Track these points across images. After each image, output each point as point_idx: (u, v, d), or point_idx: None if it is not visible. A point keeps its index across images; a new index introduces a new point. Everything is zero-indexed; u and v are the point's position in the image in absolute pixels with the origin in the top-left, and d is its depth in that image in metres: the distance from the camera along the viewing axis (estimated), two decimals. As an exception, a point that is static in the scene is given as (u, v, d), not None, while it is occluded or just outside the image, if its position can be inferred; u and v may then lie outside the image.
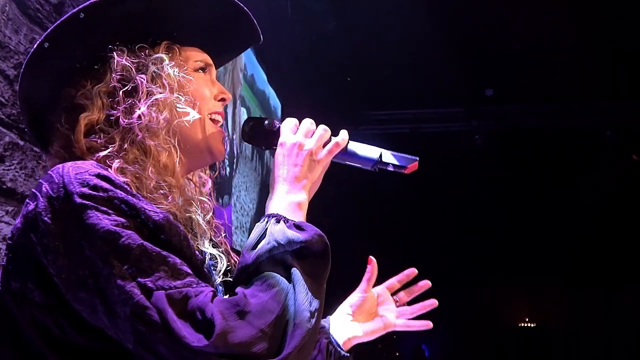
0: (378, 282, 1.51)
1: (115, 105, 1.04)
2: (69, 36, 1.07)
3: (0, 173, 1.81)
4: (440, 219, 7.97)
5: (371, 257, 1.45)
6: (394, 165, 1.10)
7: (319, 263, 0.95)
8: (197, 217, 1.14)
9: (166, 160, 1.04)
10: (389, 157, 1.10)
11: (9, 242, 0.97)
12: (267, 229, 0.97)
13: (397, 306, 1.50)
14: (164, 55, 1.09)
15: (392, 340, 8.10)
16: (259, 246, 0.94)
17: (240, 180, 4.07)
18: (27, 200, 0.96)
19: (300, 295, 0.88)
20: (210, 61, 1.19)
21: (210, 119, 1.15)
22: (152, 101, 1.04)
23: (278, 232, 0.95)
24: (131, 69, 1.05)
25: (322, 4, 5.38)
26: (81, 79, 1.07)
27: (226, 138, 1.22)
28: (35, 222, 0.90)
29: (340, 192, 6.71)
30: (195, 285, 0.87)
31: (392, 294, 1.50)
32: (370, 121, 6.94)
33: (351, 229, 7.17)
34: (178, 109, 1.07)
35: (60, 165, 0.94)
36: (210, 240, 1.18)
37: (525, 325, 10.39)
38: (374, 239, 7.64)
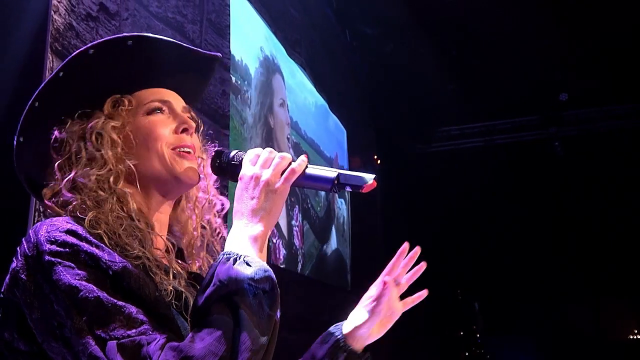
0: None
1: (62, 172, 1.14)
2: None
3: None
4: (539, 231, 7.65)
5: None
6: (350, 185, 1.12)
7: (265, 300, 0.99)
8: (172, 257, 1.18)
9: (126, 207, 1.13)
10: (345, 177, 1.12)
11: (1, 295, 1.10)
12: (216, 268, 1.01)
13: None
14: (100, 114, 1.17)
15: (484, 358, 7.87)
16: (208, 288, 0.99)
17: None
18: (14, 257, 1.08)
19: (244, 335, 0.94)
20: (167, 98, 1.23)
21: (176, 152, 1.20)
22: (84, 161, 1.13)
23: (223, 272, 0.99)
24: (70, 138, 1.15)
25: (378, 28, 5.45)
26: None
27: (199, 161, 1.24)
28: (16, 279, 1.03)
29: (429, 206, 6.65)
30: (150, 333, 0.95)
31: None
32: (442, 137, 6.88)
33: (437, 242, 7.07)
34: (121, 160, 1.15)
35: (38, 224, 1.07)
36: (191, 275, 1.22)
37: (635, 337, 9.72)
38: (465, 253, 7.49)
